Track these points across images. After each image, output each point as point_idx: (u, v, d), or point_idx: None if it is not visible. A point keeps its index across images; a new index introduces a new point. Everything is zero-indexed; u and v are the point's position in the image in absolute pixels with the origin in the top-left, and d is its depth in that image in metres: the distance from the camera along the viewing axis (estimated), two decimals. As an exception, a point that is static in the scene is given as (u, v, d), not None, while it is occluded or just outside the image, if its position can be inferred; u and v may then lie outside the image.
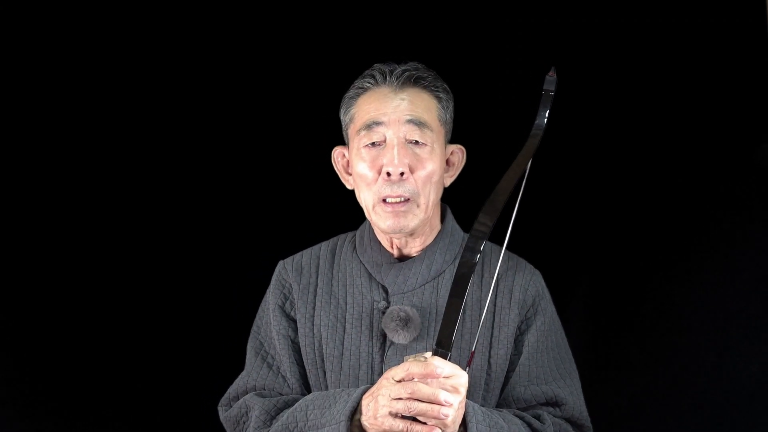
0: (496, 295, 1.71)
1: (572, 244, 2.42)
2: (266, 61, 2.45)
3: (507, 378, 1.69)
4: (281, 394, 1.70)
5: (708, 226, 2.35)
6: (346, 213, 1.86)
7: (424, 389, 1.45)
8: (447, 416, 1.45)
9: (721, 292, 2.32)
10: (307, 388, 1.72)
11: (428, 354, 1.49)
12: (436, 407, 1.44)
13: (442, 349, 1.46)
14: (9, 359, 2.35)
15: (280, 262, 1.80)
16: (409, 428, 1.46)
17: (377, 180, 1.65)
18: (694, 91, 2.34)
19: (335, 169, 1.77)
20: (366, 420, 1.50)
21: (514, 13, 2.41)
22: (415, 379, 1.46)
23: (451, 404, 1.45)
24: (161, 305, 2.43)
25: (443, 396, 1.45)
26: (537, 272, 1.77)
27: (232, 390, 1.75)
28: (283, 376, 1.71)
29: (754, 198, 2.31)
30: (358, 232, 1.79)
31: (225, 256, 2.45)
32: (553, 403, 1.68)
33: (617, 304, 2.38)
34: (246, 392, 1.73)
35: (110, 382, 2.40)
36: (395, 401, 1.46)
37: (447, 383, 1.46)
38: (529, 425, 1.63)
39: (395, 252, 1.73)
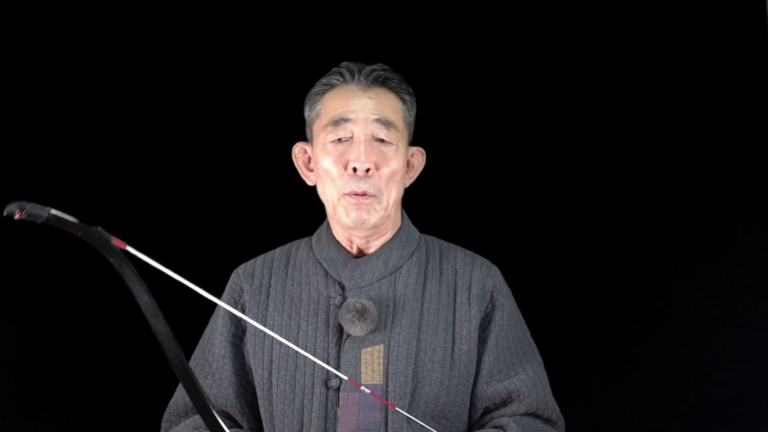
0: (455, 291, 1.71)
1: (573, 244, 2.41)
2: (243, 64, 2.46)
3: (477, 375, 1.69)
4: (217, 407, 1.70)
5: (709, 226, 2.34)
6: (307, 219, 1.86)
7: None
8: None
9: (722, 292, 2.31)
10: (245, 398, 1.72)
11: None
12: None
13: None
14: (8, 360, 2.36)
15: (235, 270, 1.81)
16: None
17: (342, 175, 1.66)
18: (694, 91, 2.34)
19: (295, 164, 1.78)
20: None
21: (483, 14, 2.42)
22: None
23: None
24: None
25: None
26: (494, 267, 1.77)
27: (171, 404, 1.76)
28: (219, 385, 1.71)
29: (756, 198, 2.31)
30: (315, 233, 1.79)
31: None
32: (516, 398, 1.67)
33: (617, 304, 2.38)
34: (184, 405, 1.73)
35: (107, 385, 2.41)
36: None
37: None
38: None
39: (354, 250, 1.73)
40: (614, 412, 2.33)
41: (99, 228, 1.13)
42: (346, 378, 1.51)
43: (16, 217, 1.09)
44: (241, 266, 1.81)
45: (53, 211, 1.10)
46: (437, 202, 2.27)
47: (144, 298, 1.17)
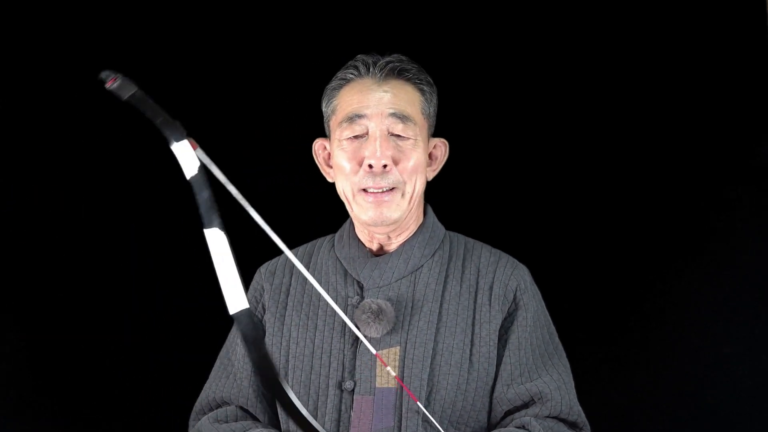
0: (476, 292, 1.66)
1: (573, 243, 2.41)
2: (242, 63, 2.45)
3: (497, 377, 1.64)
4: (239, 406, 1.68)
5: (709, 226, 2.35)
6: (307, 219, 1.84)
7: None
8: None
9: (722, 292, 2.31)
10: (266, 397, 1.69)
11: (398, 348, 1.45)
12: None
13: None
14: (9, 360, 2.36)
15: (258, 269, 1.78)
16: None
17: (358, 171, 1.62)
18: (694, 91, 2.34)
19: (316, 161, 1.75)
20: None
21: (505, 8, 2.41)
22: None
23: None
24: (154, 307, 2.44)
25: None
26: (520, 266, 1.72)
27: (197, 404, 1.73)
28: (239, 384, 1.69)
29: (755, 198, 2.30)
30: (338, 231, 1.76)
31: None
32: (538, 401, 1.61)
33: (617, 304, 2.38)
34: (209, 404, 1.71)
35: (108, 385, 2.41)
36: None
37: None
38: None
39: (375, 247, 1.70)
40: (614, 412, 2.33)
41: (178, 122, 1.13)
42: (364, 340, 1.47)
43: (108, 84, 1.08)
44: (264, 265, 1.78)
45: (140, 92, 1.10)
46: (461, 194, 2.25)
47: (204, 193, 1.16)
